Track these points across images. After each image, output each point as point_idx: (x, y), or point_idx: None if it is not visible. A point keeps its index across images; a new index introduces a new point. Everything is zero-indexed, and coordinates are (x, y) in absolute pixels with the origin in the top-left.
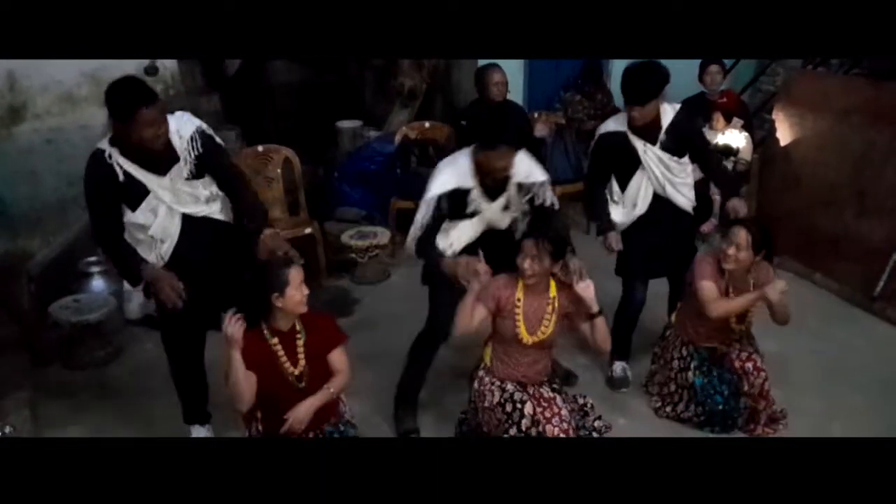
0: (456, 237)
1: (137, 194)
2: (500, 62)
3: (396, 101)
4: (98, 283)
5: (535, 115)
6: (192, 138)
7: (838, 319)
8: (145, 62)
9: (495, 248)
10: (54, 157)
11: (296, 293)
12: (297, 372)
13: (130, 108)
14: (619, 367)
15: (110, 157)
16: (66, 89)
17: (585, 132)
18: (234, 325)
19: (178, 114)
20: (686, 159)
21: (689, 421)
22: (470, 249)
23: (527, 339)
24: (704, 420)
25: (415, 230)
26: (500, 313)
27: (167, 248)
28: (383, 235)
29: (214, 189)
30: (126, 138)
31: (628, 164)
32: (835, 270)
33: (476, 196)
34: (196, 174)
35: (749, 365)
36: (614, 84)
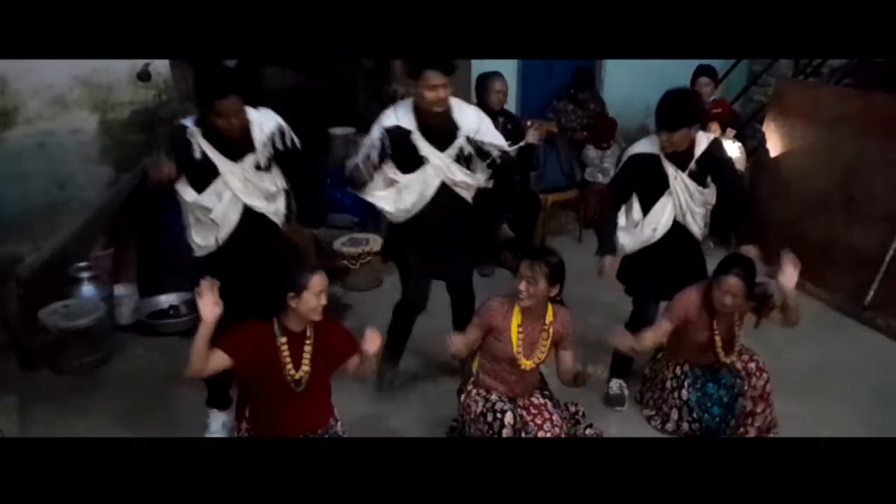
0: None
1: (206, 176)
2: (496, 70)
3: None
4: (88, 289)
5: (528, 122)
6: (272, 133)
7: (829, 328)
8: (137, 66)
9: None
10: (45, 160)
11: (312, 298)
12: (297, 376)
13: (208, 97)
14: (615, 384)
15: (192, 135)
16: (57, 93)
17: (577, 141)
18: (207, 305)
19: (263, 109)
20: (708, 190)
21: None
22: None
23: (525, 364)
24: (699, 431)
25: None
26: (494, 334)
27: (224, 235)
28: (375, 242)
29: (280, 184)
30: (208, 122)
31: (656, 188)
32: (825, 279)
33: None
34: (266, 167)
35: (752, 365)
36: (606, 92)
